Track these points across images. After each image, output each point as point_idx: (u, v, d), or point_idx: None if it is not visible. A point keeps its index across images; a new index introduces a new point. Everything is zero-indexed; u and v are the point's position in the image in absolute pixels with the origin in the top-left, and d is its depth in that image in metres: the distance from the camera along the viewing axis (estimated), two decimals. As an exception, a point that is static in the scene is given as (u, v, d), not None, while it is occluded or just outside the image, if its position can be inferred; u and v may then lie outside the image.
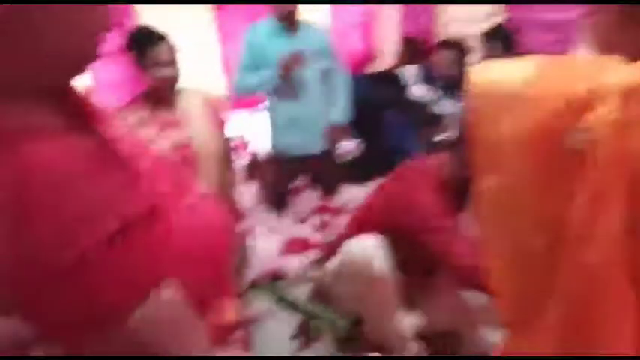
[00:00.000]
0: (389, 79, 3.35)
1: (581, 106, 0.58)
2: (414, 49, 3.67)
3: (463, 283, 1.53)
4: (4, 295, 0.42)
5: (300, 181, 2.86)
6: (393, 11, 4.05)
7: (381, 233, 1.60)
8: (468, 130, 0.67)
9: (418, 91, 3.15)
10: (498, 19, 3.09)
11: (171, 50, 1.63)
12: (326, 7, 4.44)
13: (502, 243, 0.69)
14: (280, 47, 2.40)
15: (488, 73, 0.66)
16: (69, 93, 0.50)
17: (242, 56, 2.48)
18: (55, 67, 0.46)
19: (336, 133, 2.67)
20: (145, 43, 1.60)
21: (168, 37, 1.64)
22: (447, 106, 3.02)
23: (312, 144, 2.60)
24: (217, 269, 0.57)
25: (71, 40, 0.46)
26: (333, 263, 1.69)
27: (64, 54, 0.46)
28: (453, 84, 2.97)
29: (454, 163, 1.54)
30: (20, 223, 0.42)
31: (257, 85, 2.52)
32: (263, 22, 2.47)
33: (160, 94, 1.65)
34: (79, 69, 0.49)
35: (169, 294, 0.48)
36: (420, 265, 1.65)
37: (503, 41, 2.64)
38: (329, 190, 2.82)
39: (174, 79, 1.65)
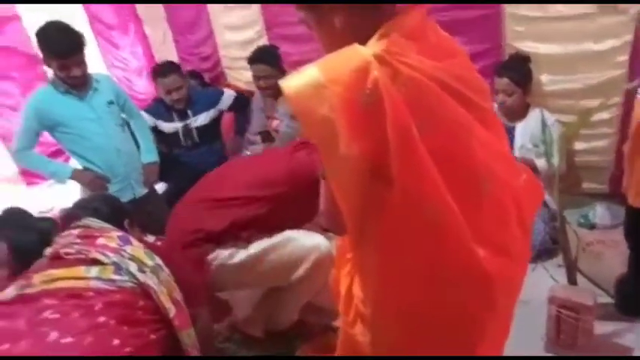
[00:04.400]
0: None
1: (361, 74, 0.78)
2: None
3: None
4: None
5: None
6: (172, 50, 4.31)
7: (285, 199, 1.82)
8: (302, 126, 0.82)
9: (164, 126, 3.24)
10: (262, 42, 3.55)
11: None
12: (100, 61, 4.48)
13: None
14: (73, 108, 2.47)
15: (293, 83, 0.80)
16: None
17: (25, 121, 2.46)
18: None
19: (150, 173, 2.84)
20: None
21: None
22: (200, 119, 3.25)
23: (131, 190, 2.72)
24: None
25: None
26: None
27: None
28: (187, 105, 3.20)
29: None
30: None
31: (48, 173, 2.67)
32: (49, 88, 2.49)
33: None
34: None
35: None
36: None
37: (270, 61, 3.08)
38: (164, 228, 2.93)
39: None
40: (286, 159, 1.90)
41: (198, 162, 3.20)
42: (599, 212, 2.60)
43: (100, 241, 1.34)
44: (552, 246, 2.41)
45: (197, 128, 3.26)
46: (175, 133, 3.25)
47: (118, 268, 1.27)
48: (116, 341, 1.13)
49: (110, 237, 1.36)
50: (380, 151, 0.80)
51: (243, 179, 1.91)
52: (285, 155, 1.93)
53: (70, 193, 2.99)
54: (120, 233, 1.40)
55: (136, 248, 1.35)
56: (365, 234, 0.91)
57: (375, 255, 0.93)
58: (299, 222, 1.93)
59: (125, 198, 2.64)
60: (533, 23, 2.54)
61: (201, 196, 1.95)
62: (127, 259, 1.30)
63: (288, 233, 1.84)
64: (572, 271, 1.92)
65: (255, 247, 1.81)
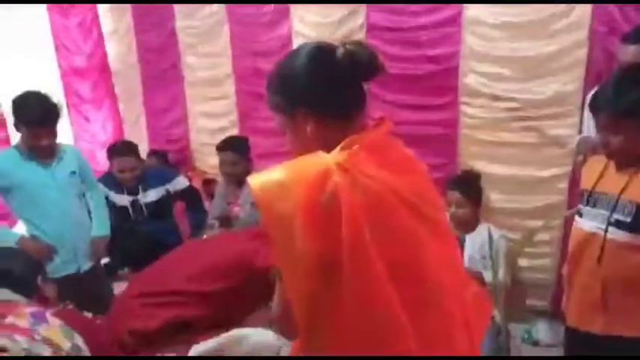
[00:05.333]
0: None
1: (323, 178, 0.86)
2: None
3: None
4: None
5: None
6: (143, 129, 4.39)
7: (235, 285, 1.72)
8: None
9: (115, 198, 3.22)
10: (234, 131, 3.69)
11: None
12: (68, 131, 4.51)
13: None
14: (34, 175, 2.43)
15: (259, 179, 0.89)
16: None
17: None
18: None
19: (98, 247, 2.76)
20: None
21: None
22: (150, 196, 3.21)
23: (76, 263, 2.61)
24: None
25: None
26: None
27: None
28: (139, 182, 3.19)
29: None
30: None
31: None
32: (13, 151, 2.48)
33: None
34: None
35: None
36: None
37: (238, 150, 3.18)
38: (106, 306, 2.78)
39: None
40: (237, 245, 1.87)
41: (147, 237, 3.15)
42: (542, 330, 2.68)
43: (9, 320, 1.21)
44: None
45: (146, 204, 3.21)
46: (125, 207, 3.20)
47: (29, 354, 1.16)
48: None
49: (21, 314, 1.24)
50: (334, 250, 0.85)
51: (189, 270, 1.80)
52: (238, 242, 1.90)
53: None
54: (33, 309, 1.27)
55: (51, 327, 1.24)
56: (315, 334, 0.92)
57: (324, 354, 0.94)
58: (244, 314, 1.87)
59: (69, 270, 2.54)
60: (486, 146, 2.79)
61: (140, 290, 1.81)
62: (39, 341, 1.18)
63: (237, 331, 1.77)
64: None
65: (201, 349, 1.67)
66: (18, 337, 1.17)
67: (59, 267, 2.47)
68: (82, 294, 2.63)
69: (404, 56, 2.82)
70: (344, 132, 0.95)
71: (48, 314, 1.28)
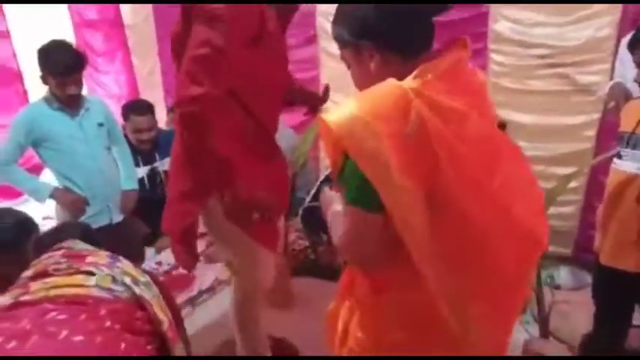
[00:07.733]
0: None
1: (403, 108, 0.86)
2: None
3: None
4: None
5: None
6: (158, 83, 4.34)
7: None
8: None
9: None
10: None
11: None
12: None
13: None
14: (63, 125, 2.44)
15: (334, 117, 0.89)
16: None
17: (13, 134, 2.39)
18: None
19: (128, 200, 2.79)
20: None
21: None
22: (167, 162, 2.80)
23: (108, 214, 2.65)
24: None
25: None
26: None
27: None
28: (153, 147, 3.11)
29: None
30: None
31: (28, 190, 2.54)
32: (41, 104, 2.47)
33: None
34: None
35: None
36: None
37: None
38: (137, 256, 2.84)
39: None
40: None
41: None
42: (563, 274, 2.75)
43: (90, 259, 1.30)
44: (521, 303, 2.52)
45: (165, 171, 3.12)
46: (140, 179, 3.06)
47: (114, 280, 1.25)
48: (123, 345, 1.11)
49: (99, 255, 1.33)
50: (431, 174, 0.86)
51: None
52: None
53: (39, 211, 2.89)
54: (108, 252, 1.37)
55: (126, 265, 1.33)
56: (426, 261, 0.91)
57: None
58: None
59: (101, 222, 2.58)
60: (513, 94, 2.77)
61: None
62: (119, 272, 1.27)
63: None
64: (545, 325, 2.01)
65: None
66: (102, 267, 1.25)
67: (92, 218, 2.51)
68: (114, 246, 2.67)
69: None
70: (407, 72, 0.93)
71: (120, 257, 1.35)
